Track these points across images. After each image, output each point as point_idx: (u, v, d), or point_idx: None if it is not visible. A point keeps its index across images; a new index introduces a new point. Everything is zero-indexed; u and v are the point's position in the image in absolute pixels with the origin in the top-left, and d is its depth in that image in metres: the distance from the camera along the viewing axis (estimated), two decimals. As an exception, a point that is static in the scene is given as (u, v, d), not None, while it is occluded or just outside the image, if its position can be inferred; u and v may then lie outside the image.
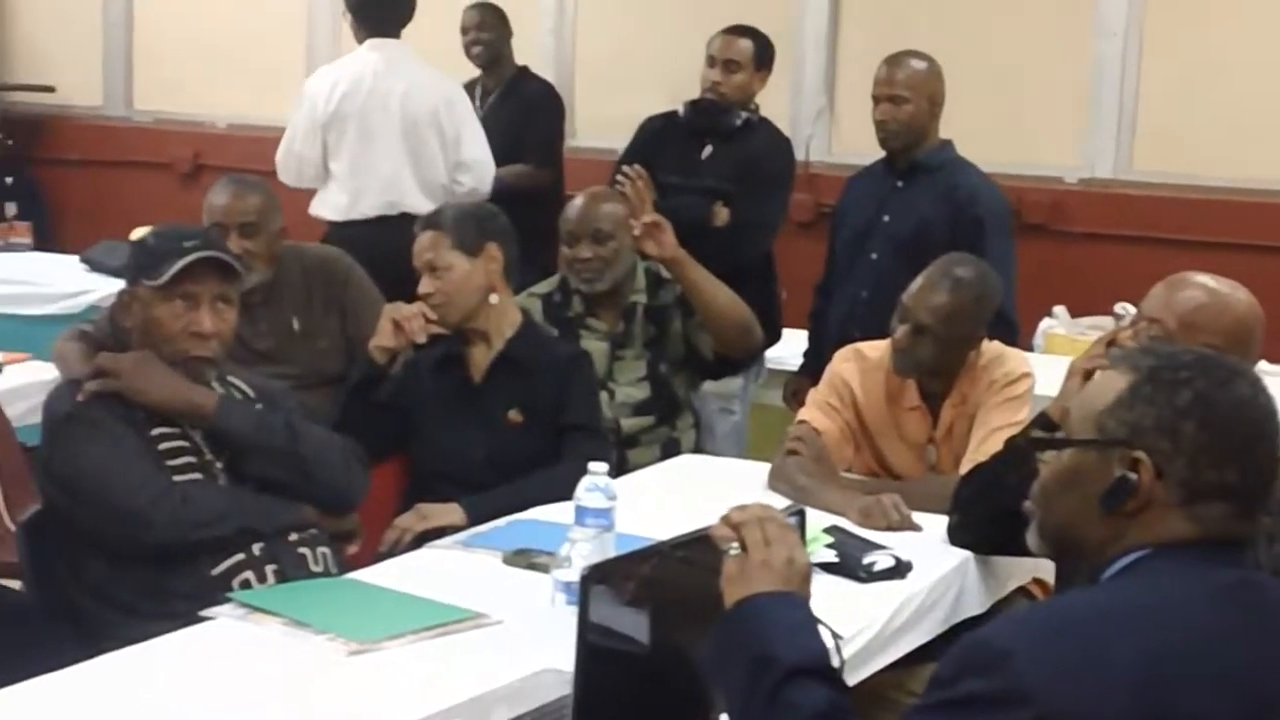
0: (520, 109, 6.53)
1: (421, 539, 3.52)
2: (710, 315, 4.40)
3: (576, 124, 7.79)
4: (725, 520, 2.05)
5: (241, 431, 3.19)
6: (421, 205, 5.61)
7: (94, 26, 8.84)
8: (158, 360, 3.16)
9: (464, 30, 6.70)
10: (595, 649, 2.06)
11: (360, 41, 5.84)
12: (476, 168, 5.75)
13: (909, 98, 4.90)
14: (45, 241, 8.50)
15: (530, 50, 7.26)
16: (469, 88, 6.30)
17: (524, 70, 6.75)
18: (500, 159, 5.90)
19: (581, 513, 2.86)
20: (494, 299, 3.91)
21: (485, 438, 3.84)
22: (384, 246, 4.97)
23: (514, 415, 3.86)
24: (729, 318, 4.42)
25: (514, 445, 3.83)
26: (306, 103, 5.73)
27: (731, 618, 1.97)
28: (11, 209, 8.63)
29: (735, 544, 2.02)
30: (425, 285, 3.89)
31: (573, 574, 2.62)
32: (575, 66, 7.79)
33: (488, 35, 6.65)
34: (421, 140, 5.68)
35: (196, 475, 3.14)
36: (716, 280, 4.42)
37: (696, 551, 2.15)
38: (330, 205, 5.69)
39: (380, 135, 5.65)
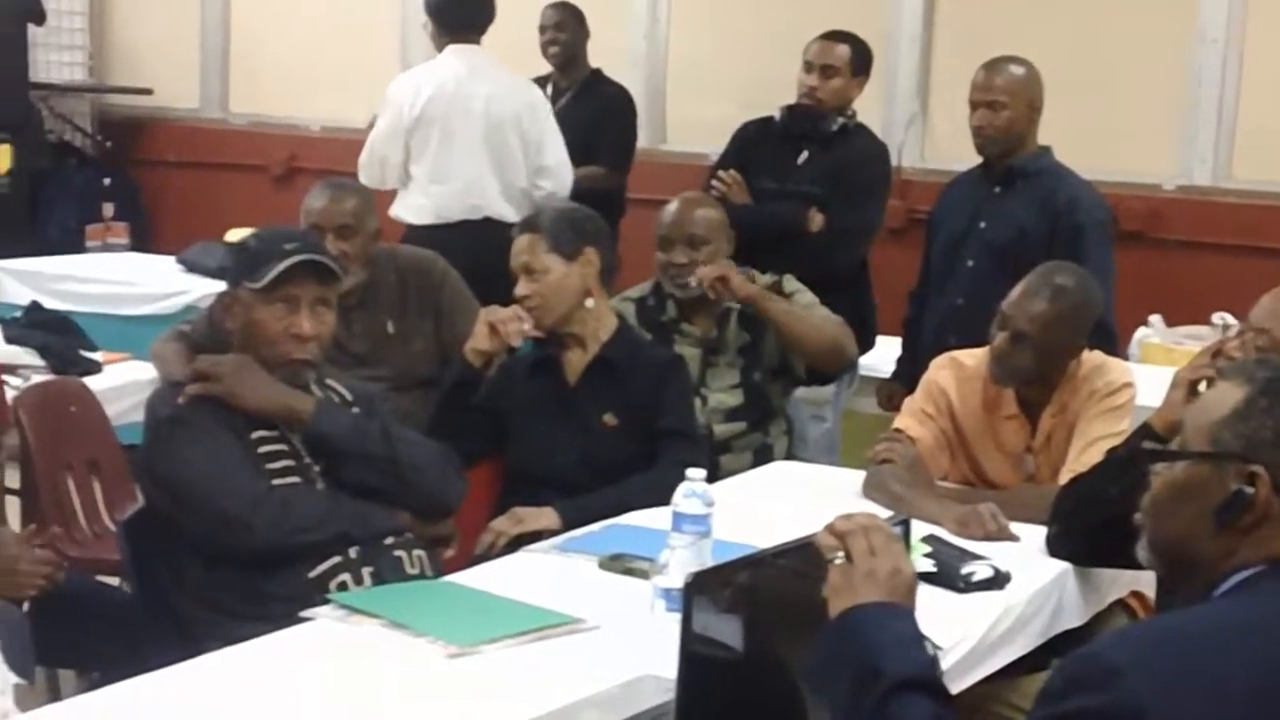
0: (594, 111, 6.53)
1: (516, 543, 3.52)
2: (795, 345, 4.37)
3: (668, 129, 7.81)
4: (830, 529, 2.03)
5: (338, 437, 3.20)
6: (502, 209, 5.66)
7: (192, 30, 8.95)
8: (256, 365, 3.18)
9: (542, 29, 6.72)
10: (696, 657, 2.05)
11: (439, 48, 5.88)
12: (557, 171, 5.79)
13: (1007, 103, 4.86)
14: (142, 242, 8.63)
15: (622, 54, 7.27)
16: (540, 84, 6.31)
17: (597, 72, 6.75)
18: (572, 159, 5.92)
19: (679, 519, 2.84)
20: (590, 303, 3.91)
21: (579, 442, 3.84)
22: (464, 250, 5.00)
23: (608, 419, 3.85)
24: (815, 343, 4.38)
25: (608, 449, 3.82)
26: (390, 107, 5.76)
27: (836, 628, 1.95)
28: (109, 210, 8.75)
29: (840, 553, 2.00)
30: (522, 288, 3.90)
31: (672, 580, 2.61)
32: (667, 71, 7.79)
33: (565, 35, 6.66)
34: (504, 145, 5.71)
35: (295, 479, 3.16)
36: (798, 312, 4.38)
37: (797, 560, 2.14)
38: (411, 208, 5.73)
39: (462, 140, 5.68)
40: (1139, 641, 1.82)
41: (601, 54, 6.81)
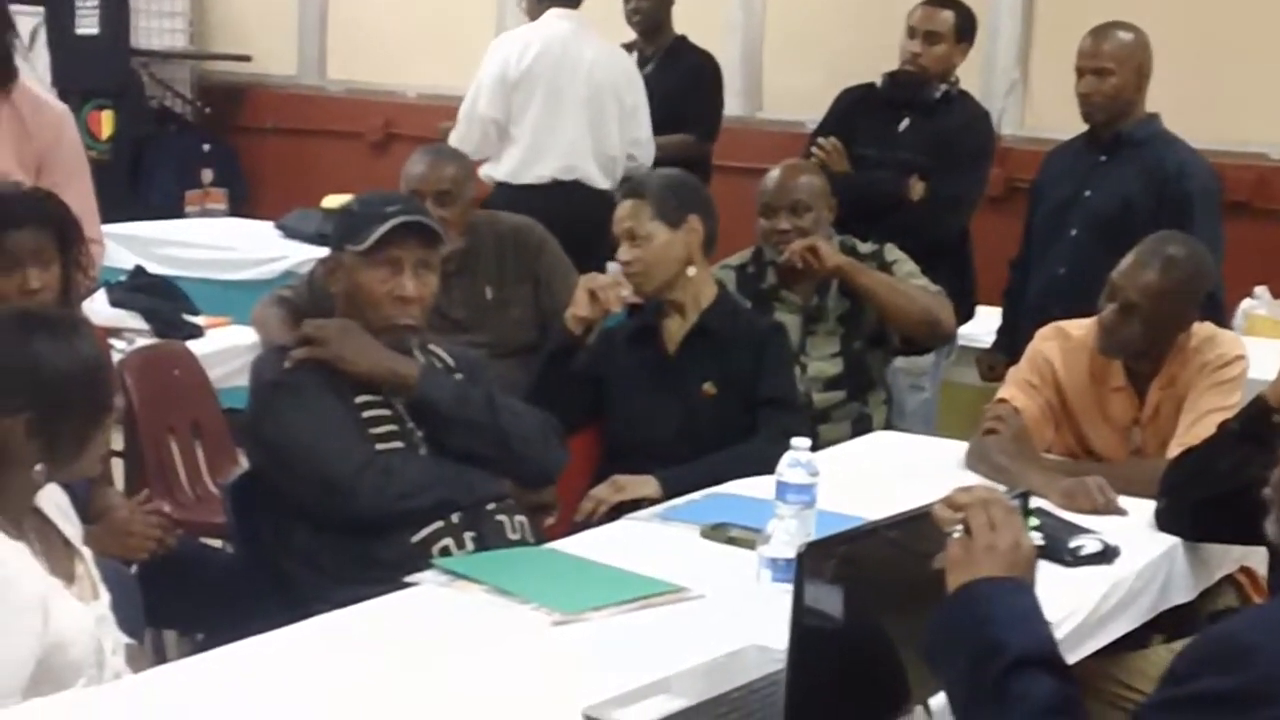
0: (680, 78, 6.48)
1: (616, 511, 3.51)
2: (889, 316, 4.32)
3: (764, 97, 7.76)
4: (949, 501, 2.00)
5: (443, 403, 3.20)
6: (594, 174, 5.66)
7: (290, -3, 8.99)
8: (361, 329, 3.19)
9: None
10: (807, 628, 2.03)
11: (535, 16, 5.89)
12: (647, 145, 5.84)
13: (1114, 69, 4.78)
14: (240, 207, 8.70)
15: (717, 23, 7.23)
16: (624, 50, 6.29)
17: (682, 39, 6.70)
18: (656, 128, 5.93)
19: (783, 488, 2.83)
20: (691, 271, 3.89)
21: (678, 411, 3.82)
22: (553, 212, 5.01)
23: (708, 388, 3.83)
24: (910, 315, 4.32)
25: (707, 418, 3.80)
26: (495, 63, 5.78)
27: (955, 602, 1.92)
28: (208, 176, 8.83)
29: (959, 526, 1.97)
30: (624, 253, 3.88)
31: (777, 550, 2.59)
32: (764, 38, 7.73)
33: (647, 4, 6.62)
34: (602, 110, 5.73)
35: (398, 444, 3.17)
36: (892, 282, 4.32)
37: (909, 532, 2.11)
38: (503, 168, 5.73)
39: (567, 100, 5.69)
40: (1274, 621, 1.76)
41: (697, 21, 6.76)
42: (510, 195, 5.57)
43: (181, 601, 3.39)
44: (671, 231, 3.86)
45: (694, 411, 3.82)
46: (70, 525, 2.64)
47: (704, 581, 2.81)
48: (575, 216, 5.20)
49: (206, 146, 8.89)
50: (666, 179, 4.04)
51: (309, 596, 2.94)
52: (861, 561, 2.09)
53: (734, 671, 2.39)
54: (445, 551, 3.06)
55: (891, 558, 2.13)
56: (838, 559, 2.07)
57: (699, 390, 3.84)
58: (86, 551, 2.64)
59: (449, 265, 4.35)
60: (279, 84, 9.10)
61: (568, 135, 5.71)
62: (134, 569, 3.19)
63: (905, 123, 5.29)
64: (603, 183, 5.71)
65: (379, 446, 3.13)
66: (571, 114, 5.71)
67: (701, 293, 3.92)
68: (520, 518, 3.21)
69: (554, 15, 5.85)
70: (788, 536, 2.67)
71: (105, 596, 2.61)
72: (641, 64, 6.47)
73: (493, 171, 5.77)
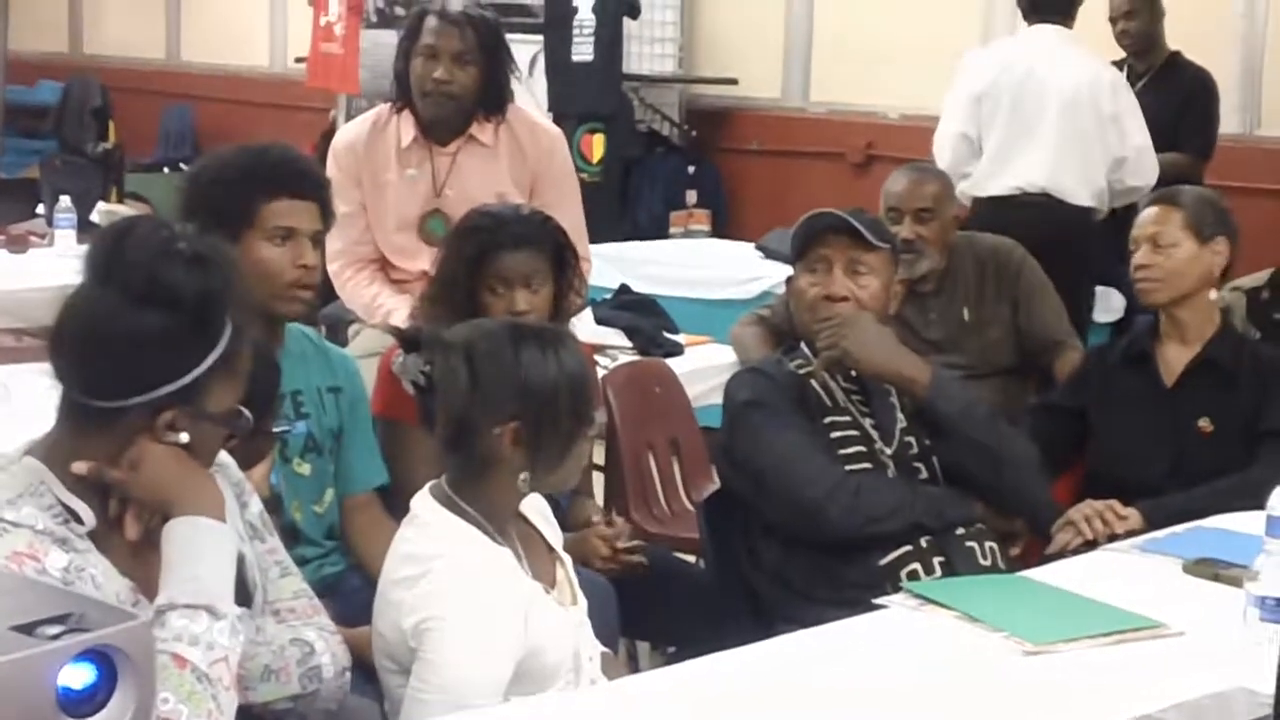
0: (1174, 96, 6.27)
1: (1092, 542, 3.39)
2: None
3: (1263, 113, 7.40)
4: None
5: (949, 414, 3.17)
6: (1068, 188, 5.51)
7: (777, 20, 9.10)
8: (875, 323, 3.17)
9: (1112, 20, 6.50)
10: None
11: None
12: (1139, 161, 5.57)
13: None
14: (722, 228, 8.87)
15: (1219, 34, 6.94)
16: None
17: (1176, 55, 6.47)
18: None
19: (1275, 524, 2.67)
20: (1213, 295, 3.70)
21: (1170, 448, 3.63)
22: (1027, 225, 4.90)
23: (1204, 425, 3.62)
24: None
25: (1202, 458, 3.57)
26: (963, 77, 5.72)
27: None
28: (692, 197, 9.03)
29: None
30: (1142, 256, 3.69)
31: (1269, 588, 2.45)
32: (1265, 50, 7.37)
33: (1135, 24, 6.42)
34: (1078, 123, 5.56)
35: (866, 465, 3.15)
36: None
37: None
38: (971, 180, 5.65)
39: (1034, 112, 5.56)
40: None
41: (1193, 35, 6.51)
42: (981, 209, 5.49)
43: (655, 614, 3.46)
44: (1199, 246, 3.68)
45: (1186, 450, 3.62)
46: (553, 531, 2.74)
47: (1185, 618, 2.69)
48: (1051, 231, 5.09)
49: (691, 169, 9.10)
50: (1202, 194, 3.85)
51: (778, 614, 2.96)
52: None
53: (1217, 715, 2.28)
54: (913, 575, 3.03)
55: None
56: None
57: (1195, 426, 3.64)
58: (567, 558, 2.73)
59: (926, 285, 4.34)
60: (763, 106, 9.23)
61: (1035, 147, 5.57)
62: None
63: None
64: (1083, 199, 5.54)
65: (847, 467, 3.12)
66: (1039, 126, 5.57)
67: (1207, 321, 3.73)
68: (991, 544, 3.15)
69: (1028, 30, 5.75)
70: (1278, 574, 2.52)
71: (583, 603, 2.69)
72: (1131, 82, 6.27)
73: (967, 189, 5.70)
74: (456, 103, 4.23)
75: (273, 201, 3.02)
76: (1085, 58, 5.69)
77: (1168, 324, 3.71)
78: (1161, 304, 3.69)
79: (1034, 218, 5.27)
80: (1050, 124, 5.55)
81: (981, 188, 5.60)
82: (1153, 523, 3.36)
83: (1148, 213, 3.76)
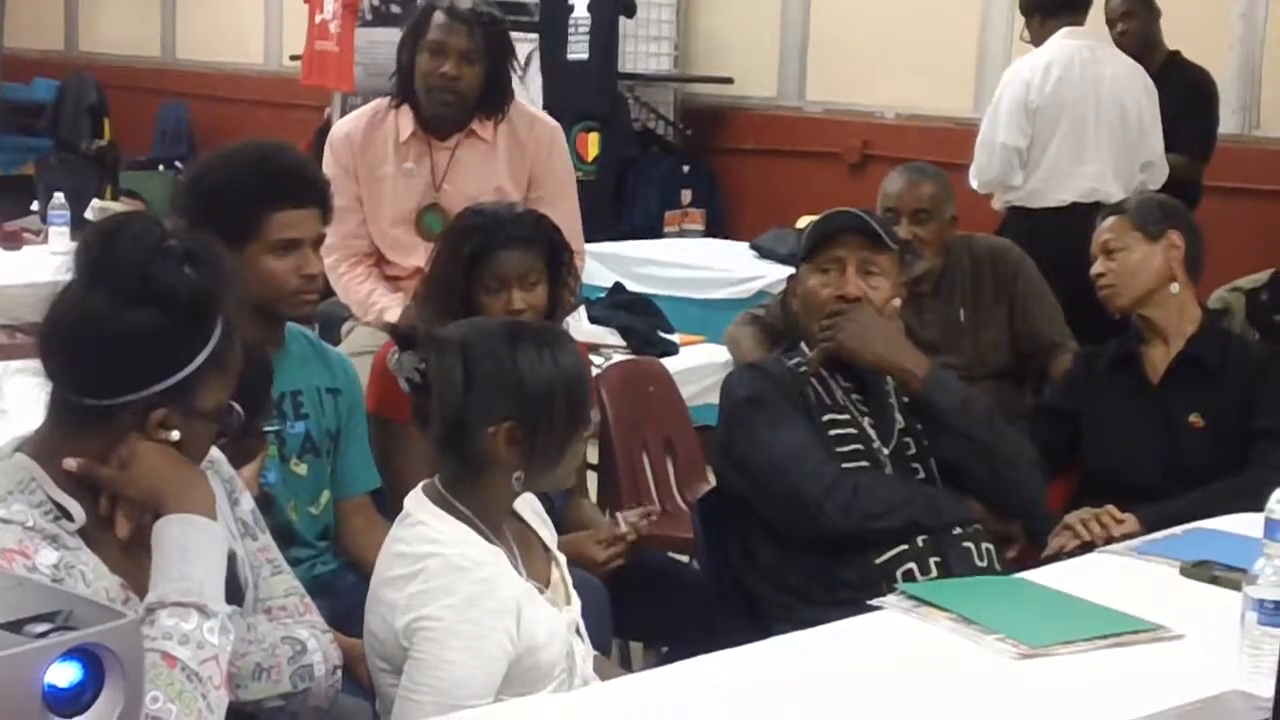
0: (1173, 96, 6.24)
1: (1089, 545, 3.38)
2: None
3: (1261, 113, 7.39)
4: None
5: (946, 409, 3.17)
6: (1115, 195, 5.46)
7: (773, 19, 9.09)
8: (875, 316, 3.17)
9: (1110, 22, 6.48)
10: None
11: (1039, 41, 5.78)
12: (1159, 165, 5.64)
13: None
14: (717, 228, 8.86)
15: (1219, 34, 6.93)
16: None
17: (1175, 55, 6.47)
18: None
19: (1274, 526, 2.65)
20: (1175, 289, 3.72)
21: (1164, 445, 3.65)
22: (1073, 235, 4.87)
23: (1195, 420, 3.65)
24: None
25: (1196, 453, 3.61)
26: (1013, 89, 5.67)
27: None
28: (687, 196, 9.03)
29: None
30: (1098, 266, 3.77)
31: (1267, 591, 2.44)
32: (1264, 50, 7.37)
33: (1134, 24, 6.41)
34: (1124, 128, 5.58)
35: (864, 464, 3.14)
36: None
37: None
38: (1022, 193, 5.63)
39: (1091, 122, 5.56)
40: None
41: (1192, 35, 6.50)
42: (1027, 220, 5.47)
43: (648, 614, 3.45)
44: (1149, 244, 3.72)
45: (1181, 446, 3.64)
46: (547, 530, 2.72)
47: (1182, 621, 2.67)
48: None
49: (686, 168, 9.09)
50: (1145, 195, 3.95)
51: (774, 615, 2.94)
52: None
53: (1215, 719, 2.26)
54: (909, 575, 3.01)
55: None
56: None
57: (1185, 422, 3.66)
58: (561, 557, 2.71)
59: (923, 286, 4.33)
60: (758, 105, 9.22)
61: (1092, 158, 5.57)
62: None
63: None
64: None
65: (845, 465, 3.11)
66: (1095, 136, 5.57)
67: (1185, 317, 3.75)
68: (987, 545, 3.14)
69: (1064, 34, 5.72)
70: (1278, 577, 2.51)
71: (578, 603, 2.67)
72: (1131, 82, 6.28)
73: (1009, 197, 5.67)
74: (460, 99, 4.23)
75: (277, 214, 2.99)
76: (1124, 61, 5.71)
77: (1143, 326, 3.75)
78: (1126, 307, 3.73)
79: (1081, 225, 5.25)
80: (1104, 134, 5.57)
81: (1038, 199, 5.57)
82: (1150, 528, 3.35)
83: (1099, 227, 3.81)
